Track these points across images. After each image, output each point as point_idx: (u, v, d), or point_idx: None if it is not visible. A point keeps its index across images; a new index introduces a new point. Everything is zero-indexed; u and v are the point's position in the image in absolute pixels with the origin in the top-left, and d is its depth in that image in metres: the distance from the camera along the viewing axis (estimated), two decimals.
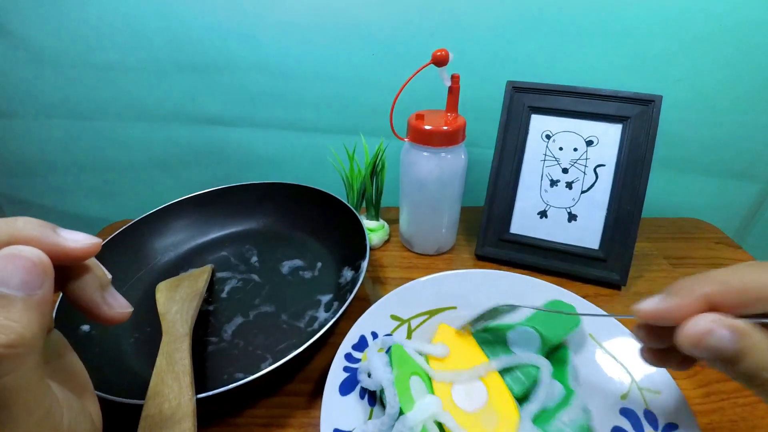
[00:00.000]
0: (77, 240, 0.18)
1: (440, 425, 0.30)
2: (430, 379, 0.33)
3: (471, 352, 0.36)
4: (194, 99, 0.61)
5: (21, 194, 0.68)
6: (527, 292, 0.40)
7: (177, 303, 0.41)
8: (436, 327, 0.39)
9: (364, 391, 0.33)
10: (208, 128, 0.64)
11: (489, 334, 0.37)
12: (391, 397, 0.30)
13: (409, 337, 0.38)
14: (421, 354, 0.35)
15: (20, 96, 0.60)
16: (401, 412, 0.30)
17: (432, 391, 0.32)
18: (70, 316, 0.37)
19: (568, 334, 0.36)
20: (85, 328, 0.39)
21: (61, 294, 0.36)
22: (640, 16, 0.53)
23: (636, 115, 0.46)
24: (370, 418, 0.32)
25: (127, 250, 0.48)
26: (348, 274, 0.46)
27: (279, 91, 0.60)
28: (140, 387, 0.31)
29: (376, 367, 0.32)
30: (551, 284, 0.42)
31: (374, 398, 0.33)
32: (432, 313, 0.40)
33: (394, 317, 0.39)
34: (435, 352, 0.35)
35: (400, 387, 0.31)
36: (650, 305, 0.23)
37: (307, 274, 0.49)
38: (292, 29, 0.56)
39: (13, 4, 0.53)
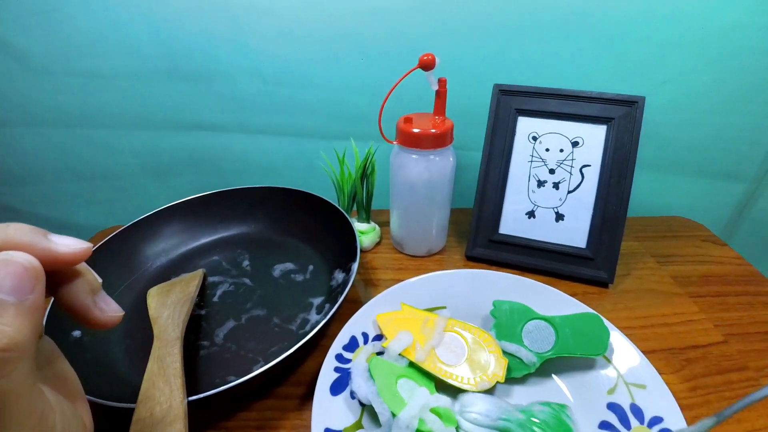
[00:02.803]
0: (68, 245, 0.19)
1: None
2: (418, 375, 0.34)
3: (420, 318, 0.38)
4: (186, 106, 0.61)
5: (12, 202, 0.68)
6: (516, 292, 0.41)
7: (168, 308, 0.41)
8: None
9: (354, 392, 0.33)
10: (200, 135, 0.64)
11: (509, 319, 0.38)
12: (379, 406, 0.31)
13: None
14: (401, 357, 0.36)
15: (11, 104, 0.60)
16: (394, 416, 0.30)
17: (424, 385, 0.33)
18: (60, 322, 0.37)
19: (588, 357, 0.36)
20: (76, 333, 0.39)
21: (51, 301, 0.36)
22: (625, 20, 0.54)
23: (620, 116, 0.47)
24: (361, 417, 0.32)
25: (119, 255, 0.48)
26: (339, 276, 0.46)
27: (270, 98, 0.61)
28: (131, 392, 0.31)
29: (358, 386, 0.33)
30: (540, 283, 0.42)
31: None
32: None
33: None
34: (403, 344, 0.36)
35: (385, 394, 0.31)
36: None
37: (299, 278, 0.49)
38: (282, 36, 0.56)
39: (4, 12, 0.53)
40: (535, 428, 0.30)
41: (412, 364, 0.35)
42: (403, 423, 0.29)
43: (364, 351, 0.36)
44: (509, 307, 0.39)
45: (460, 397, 0.33)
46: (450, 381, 0.34)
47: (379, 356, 0.35)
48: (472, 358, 0.36)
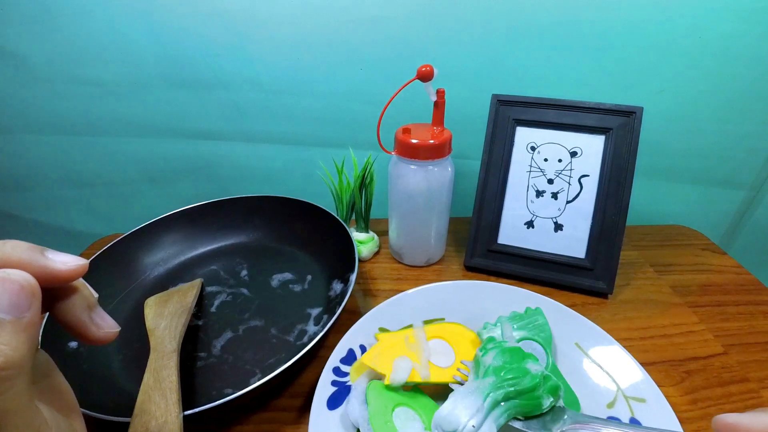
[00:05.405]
0: (65, 262, 0.19)
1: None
2: (417, 405, 0.33)
3: (401, 339, 0.37)
4: (185, 114, 0.62)
5: (11, 209, 0.68)
6: (515, 303, 0.41)
7: (166, 319, 0.40)
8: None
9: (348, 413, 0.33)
10: (199, 143, 0.64)
11: (529, 327, 0.39)
12: None
13: None
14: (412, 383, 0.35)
15: (11, 111, 0.60)
16: None
17: (424, 414, 0.32)
18: (57, 333, 0.37)
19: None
20: (73, 345, 0.39)
21: (47, 314, 0.36)
22: (622, 29, 0.54)
23: (618, 126, 0.47)
24: None
25: (117, 264, 0.48)
26: (337, 286, 0.46)
27: (269, 106, 0.61)
28: (128, 404, 0.31)
29: (352, 408, 0.32)
30: (539, 294, 0.42)
31: None
32: None
33: (382, 330, 0.39)
34: (406, 371, 0.34)
35: (376, 421, 0.30)
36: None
37: (297, 288, 0.49)
38: (282, 45, 0.57)
39: (5, 20, 0.54)
40: (505, 375, 0.30)
41: (411, 393, 0.34)
42: None
43: (366, 373, 0.35)
44: (542, 323, 0.39)
45: (436, 424, 0.30)
46: (454, 385, 0.33)
47: (379, 381, 0.34)
48: (460, 353, 0.37)
